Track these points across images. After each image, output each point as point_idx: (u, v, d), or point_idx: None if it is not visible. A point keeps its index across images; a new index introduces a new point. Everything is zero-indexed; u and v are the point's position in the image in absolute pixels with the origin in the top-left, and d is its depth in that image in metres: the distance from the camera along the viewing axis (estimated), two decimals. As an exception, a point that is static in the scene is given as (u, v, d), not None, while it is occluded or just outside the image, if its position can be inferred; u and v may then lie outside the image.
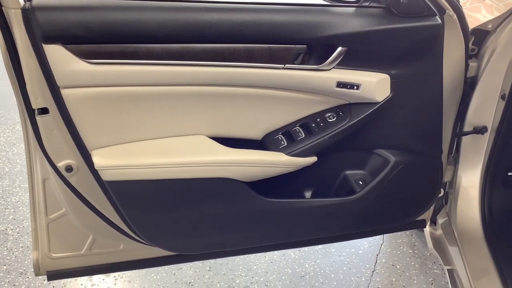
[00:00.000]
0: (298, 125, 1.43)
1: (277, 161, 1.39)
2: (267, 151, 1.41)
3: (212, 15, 1.24)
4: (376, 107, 1.38)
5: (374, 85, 1.36)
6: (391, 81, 1.37)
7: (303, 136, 1.41)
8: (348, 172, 1.54)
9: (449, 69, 1.42)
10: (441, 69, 1.41)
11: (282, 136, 1.43)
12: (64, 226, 1.48)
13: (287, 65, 1.31)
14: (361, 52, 1.34)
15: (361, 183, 1.51)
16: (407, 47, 1.35)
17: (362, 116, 1.39)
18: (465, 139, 1.64)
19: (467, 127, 1.58)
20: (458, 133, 1.61)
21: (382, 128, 1.45)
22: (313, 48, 1.32)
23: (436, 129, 1.50)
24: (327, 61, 1.32)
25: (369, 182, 1.50)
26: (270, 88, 1.34)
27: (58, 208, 1.46)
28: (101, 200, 1.40)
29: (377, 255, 2.28)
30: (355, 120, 1.39)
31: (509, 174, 1.68)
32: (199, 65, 1.26)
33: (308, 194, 1.56)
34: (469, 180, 1.67)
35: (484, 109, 1.55)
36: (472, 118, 1.56)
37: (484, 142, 1.60)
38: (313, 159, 1.43)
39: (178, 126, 1.36)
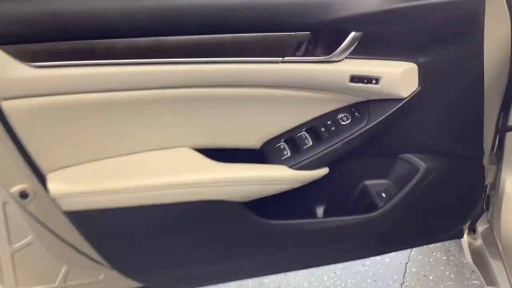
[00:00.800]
0: (304, 129, 1.23)
1: (278, 177, 1.19)
2: (267, 164, 1.21)
3: None
4: (400, 104, 1.18)
5: (398, 77, 1.15)
6: (418, 71, 1.17)
7: (310, 143, 1.21)
8: (367, 182, 1.34)
9: (491, 52, 1.21)
10: (481, 53, 1.19)
11: (284, 144, 1.23)
12: (32, 255, 1.30)
13: (286, 58, 1.11)
14: (380, 37, 1.14)
15: (384, 195, 1.31)
16: (439, 28, 1.14)
17: (384, 116, 1.19)
18: (510, 135, 1.41)
19: None
20: (502, 128, 1.38)
21: (408, 128, 1.24)
22: (319, 35, 1.13)
23: (476, 126, 1.29)
24: (337, 50, 1.12)
25: (394, 194, 1.29)
26: (267, 87, 1.15)
27: (23, 236, 1.28)
28: (68, 229, 1.20)
29: (406, 263, 2.09)
30: (375, 122, 1.19)
31: None
32: (176, 62, 1.07)
33: (319, 212, 1.37)
34: None
35: None
36: None
37: None
38: (324, 171, 1.22)
39: (155, 138, 1.16)
